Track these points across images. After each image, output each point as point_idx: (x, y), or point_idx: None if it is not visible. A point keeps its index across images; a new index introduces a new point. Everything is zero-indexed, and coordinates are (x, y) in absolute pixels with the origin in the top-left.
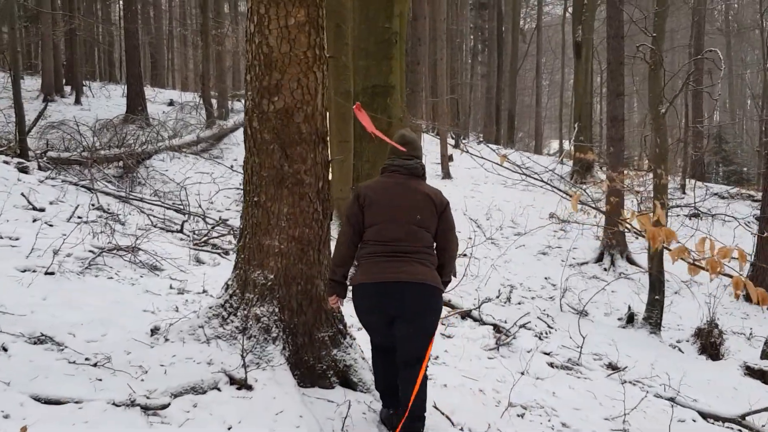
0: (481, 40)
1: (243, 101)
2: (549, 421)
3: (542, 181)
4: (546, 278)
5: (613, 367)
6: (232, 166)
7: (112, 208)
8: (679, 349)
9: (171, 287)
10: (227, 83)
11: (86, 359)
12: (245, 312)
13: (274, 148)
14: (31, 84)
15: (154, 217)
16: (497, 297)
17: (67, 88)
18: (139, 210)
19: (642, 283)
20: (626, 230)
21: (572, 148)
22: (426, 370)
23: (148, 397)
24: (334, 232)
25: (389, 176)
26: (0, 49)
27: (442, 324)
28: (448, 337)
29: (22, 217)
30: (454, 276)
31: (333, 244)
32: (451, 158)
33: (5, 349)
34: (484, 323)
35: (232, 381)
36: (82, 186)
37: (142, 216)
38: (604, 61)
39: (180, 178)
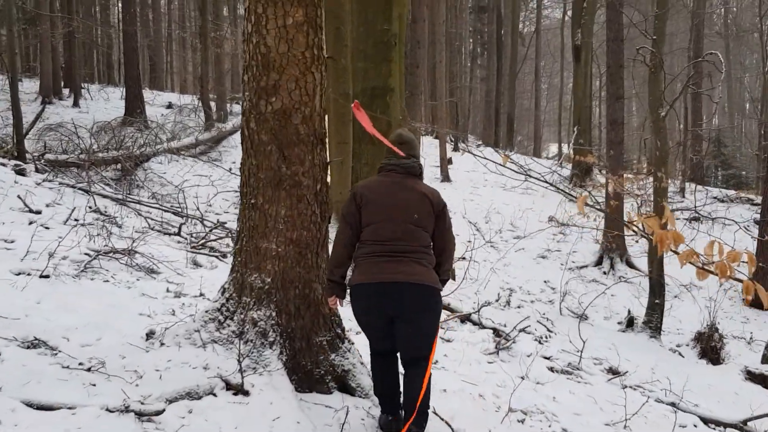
0: (481, 44)
1: (241, 103)
2: (550, 426)
3: (546, 182)
4: (545, 281)
5: (613, 372)
6: (230, 169)
7: (109, 211)
8: (680, 354)
9: (168, 290)
10: (226, 86)
11: (80, 364)
12: (242, 316)
13: (271, 149)
14: (29, 86)
15: (152, 219)
16: (497, 300)
17: (66, 91)
18: (136, 213)
19: (642, 287)
20: (634, 233)
21: (571, 151)
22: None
23: (142, 403)
24: (333, 234)
25: (386, 175)
26: None
27: (442, 328)
28: (448, 341)
29: (18, 219)
30: (453, 279)
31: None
32: (450, 161)
33: None
34: (484, 327)
35: (229, 386)
36: (79, 188)
37: (139, 219)
38: (603, 65)
39: (178, 180)
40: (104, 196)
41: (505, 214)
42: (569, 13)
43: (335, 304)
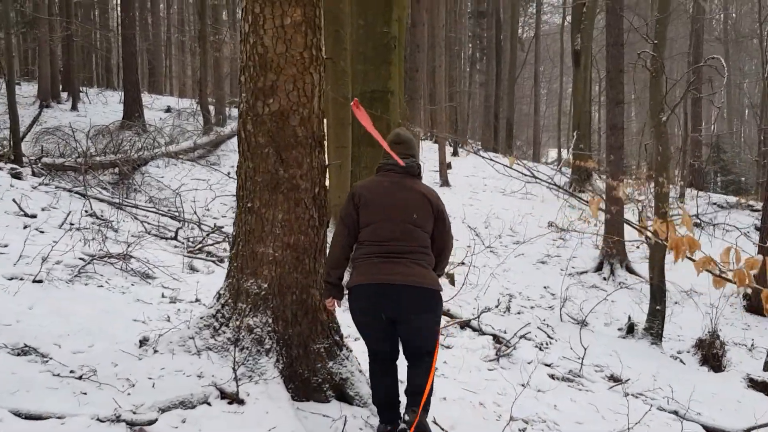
0: (480, 49)
1: (238, 104)
2: None
3: (557, 186)
4: (545, 287)
5: (614, 379)
6: (228, 173)
7: (105, 215)
8: (681, 360)
9: (163, 296)
10: (225, 89)
11: (71, 371)
12: (237, 322)
13: (268, 152)
14: (27, 90)
15: (149, 224)
16: (496, 306)
17: (64, 95)
18: (133, 217)
19: (643, 293)
20: (648, 239)
21: (571, 156)
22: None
23: (134, 412)
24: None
25: (384, 175)
26: None
27: (441, 335)
28: (447, 347)
29: (13, 223)
30: (452, 284)
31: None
32: (449, 166)
33: None
34: (484, 333)
35: (223, 395)
36: (76, 192)
37: (135, 223)
38: (603, 70)
39: (176, 184)
40: (101, 200)
41: (504, 219)
42: (569, 18)
43: (332, 306)
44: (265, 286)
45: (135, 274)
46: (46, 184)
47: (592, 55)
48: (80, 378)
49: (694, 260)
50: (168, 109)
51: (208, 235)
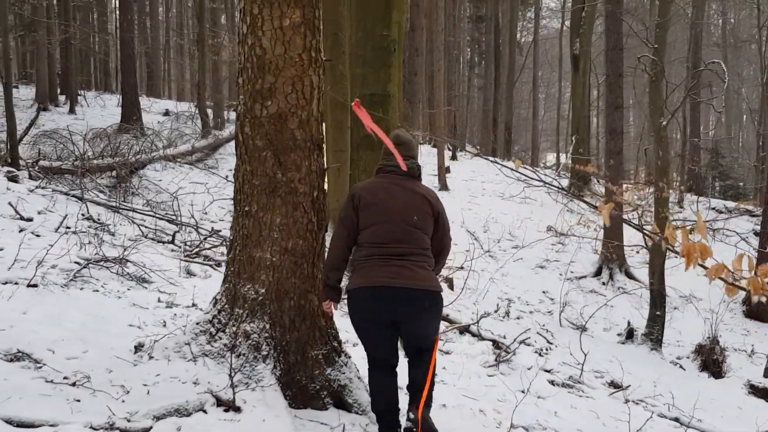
0: (479, 53)
1: (236, 107)
2: None
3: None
4: (544, 292)
5: (615, 385)
6: (227, 177)
7: (102, 219)
8: (681, 366)
9: (159, 300)
10: (223, 93)
11: (65, 378)
12: (234, 328)
13: (266, 155)
14: (25, 93)
15: (146, 227)
16: (496, 311)
17: (62, 98)
18: (130, 220)
19: (643, 298)
20: (669, 249)
21: (570, 160)
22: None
23: (128, 420)
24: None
25: (384, 176)
26: None
27: (441, 340)
28: (447, 353)
29: (8, 227)
30: (451, 289)
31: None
32: (448, 170)
33: None
34: (483, 339)
35: (219, 402)
36: (73, 195)
37: (132, 226)
38: (601, 74)
39: (174, 188)
40: (98, 204)
41: (503, 223)
42: (567, 22)
43: (330, 308)
44: (263, 291)
45: (131, 278)
46: (43, 188)
47: (591, 59)
48: (74, 384)
49: (706, 267)
50: (166, 113)
51: (205, 239)
